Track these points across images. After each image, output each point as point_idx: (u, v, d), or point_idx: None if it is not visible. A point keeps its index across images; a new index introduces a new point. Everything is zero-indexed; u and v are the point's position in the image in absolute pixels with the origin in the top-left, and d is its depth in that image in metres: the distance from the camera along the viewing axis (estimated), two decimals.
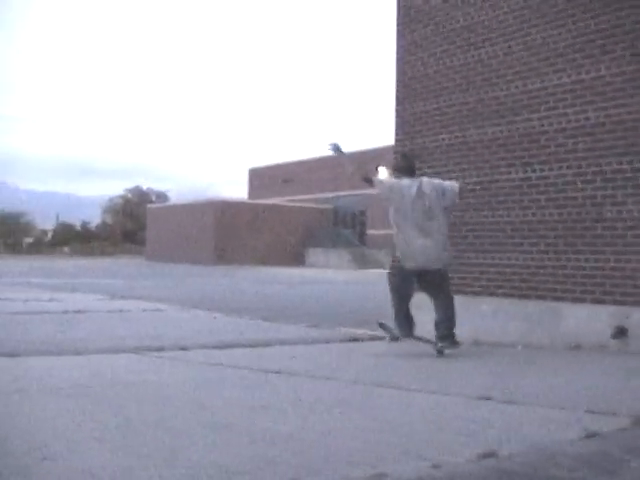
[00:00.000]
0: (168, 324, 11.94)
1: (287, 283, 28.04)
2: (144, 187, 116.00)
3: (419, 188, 8.19)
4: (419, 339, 8.51)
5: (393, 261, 8.69)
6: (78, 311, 13.22)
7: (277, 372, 6.96)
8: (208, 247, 53.90)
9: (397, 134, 11.33)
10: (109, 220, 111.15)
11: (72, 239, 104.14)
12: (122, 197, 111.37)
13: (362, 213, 56.81)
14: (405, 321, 8.35)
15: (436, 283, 8.31)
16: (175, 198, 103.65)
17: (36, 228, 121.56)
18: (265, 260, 51.55)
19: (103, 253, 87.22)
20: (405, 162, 8.68)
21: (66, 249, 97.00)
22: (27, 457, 3.84)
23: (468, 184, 9.68)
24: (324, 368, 7.45)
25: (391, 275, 8.53)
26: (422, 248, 8.10)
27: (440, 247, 8.18)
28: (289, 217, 56.23)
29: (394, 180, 8.42)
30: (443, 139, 10.56)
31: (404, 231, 8.18)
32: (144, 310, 14.14)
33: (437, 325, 8.27)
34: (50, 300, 16.04)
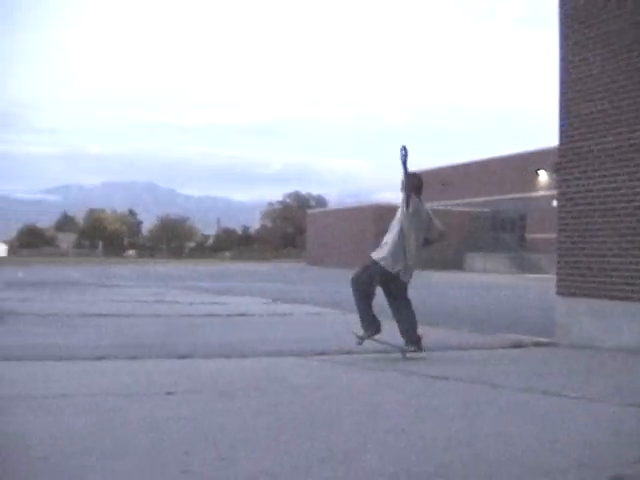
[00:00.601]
0: (330, 328, 12.12)
1: (445, 287, 27.88)
2: (303, 192, 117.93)
3: (427, 214, 9.14)
4: (383, 342, 8.86)
5: (366, 266, 9.13)
6: (242, 314, 13.62)
7: (444, 378, 6.96)
8: (367, 251, 54.04)
9: (561, 137, 11.09)
10: (269, 225, 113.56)
11: (233, 244, 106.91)
12: (281, 202, 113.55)
13: (522, 217, 55.76)
14: (372, 321, 8.76)
15: (400, 291, 8.95)
16: (334, 202, 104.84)
17: (198, 233, 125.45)
18: (423, 264, 51.20)
19: (264, 257, 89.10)
20: (418, 182, 9.13)
21: (227, 253, 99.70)
22: (203, 457, 3.98)
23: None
24: (489, 374, 7.40)
25: (354, 283, 8.95)
26: (410, 259, 8.88)
27: (415, 263, 9.06)
28: (447, 221, 55.47)
29: (418, 201, 9.01)
30: (609, 141, 10.25)
31: (409, 240, 8.85)
32: (306, 314, 14.41)
33: (404, 332, 8.78)
34: (214, 303, 16.59)
